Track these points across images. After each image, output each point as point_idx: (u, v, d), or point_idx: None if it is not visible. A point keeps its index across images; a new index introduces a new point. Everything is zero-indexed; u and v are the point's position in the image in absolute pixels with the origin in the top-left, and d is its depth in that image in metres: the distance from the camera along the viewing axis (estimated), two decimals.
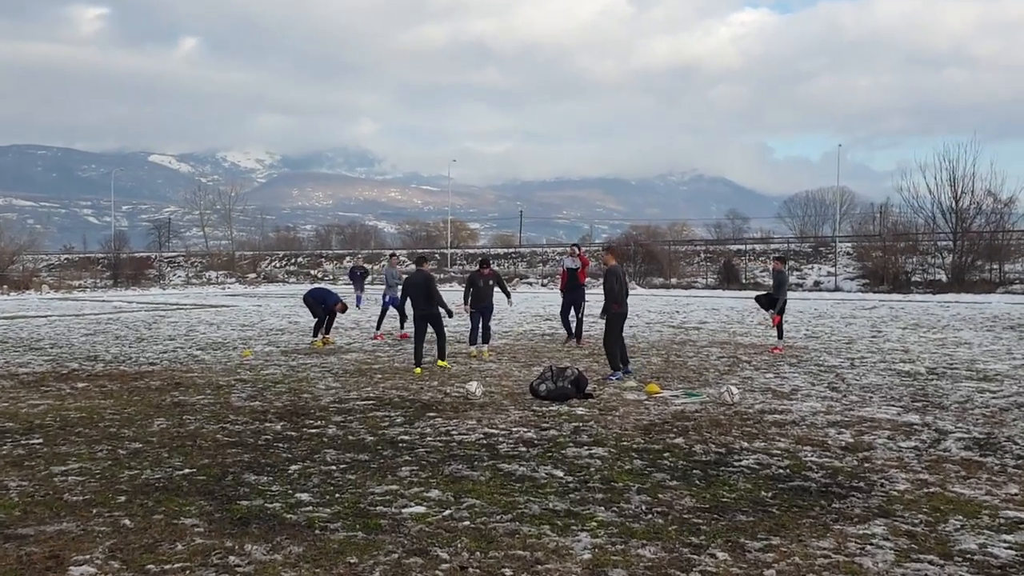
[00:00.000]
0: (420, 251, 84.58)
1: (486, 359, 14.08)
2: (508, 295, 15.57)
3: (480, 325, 14.48)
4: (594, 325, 20.10)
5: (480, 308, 14.47)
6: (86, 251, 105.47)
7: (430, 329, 13.14)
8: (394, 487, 6.16)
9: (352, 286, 28.29)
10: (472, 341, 14.55)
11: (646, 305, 28.82)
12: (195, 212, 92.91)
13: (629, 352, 12.89)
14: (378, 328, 17.92)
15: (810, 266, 52.43)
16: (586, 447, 7.41)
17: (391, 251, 16.45)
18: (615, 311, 11.78)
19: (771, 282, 16.16)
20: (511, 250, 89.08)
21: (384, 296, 18.04)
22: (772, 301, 15.11)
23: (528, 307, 29.29)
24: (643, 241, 56.99)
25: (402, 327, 17.77)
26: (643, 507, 5.65)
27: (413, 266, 18.29)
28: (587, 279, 16.27)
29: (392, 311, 18.53)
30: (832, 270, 46.21)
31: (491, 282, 14.69)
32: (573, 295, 16.09)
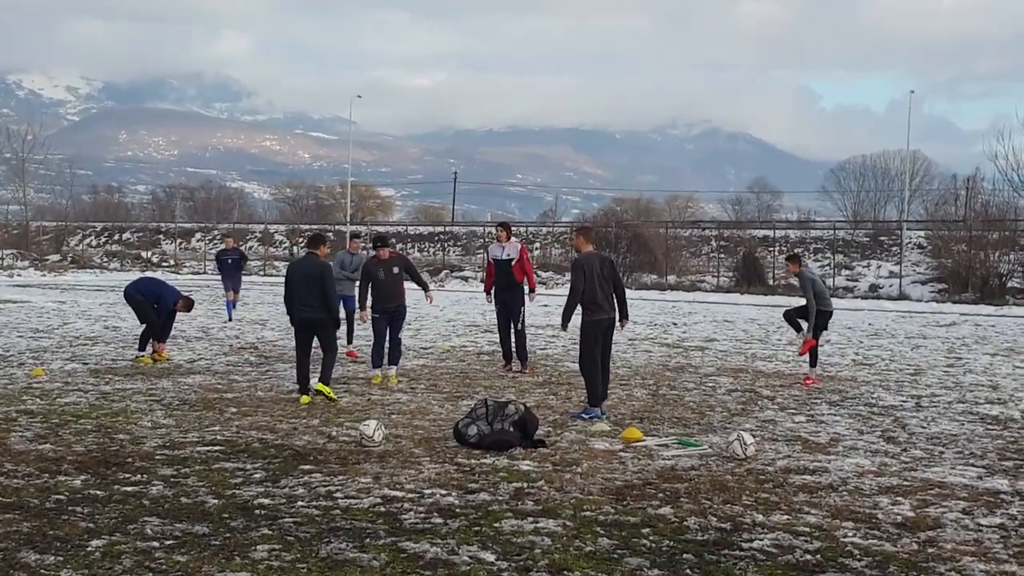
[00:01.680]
0: (309, 228, 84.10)
1: (393, 386, 14.01)
2: (425, 287, 15.50)
3: (384, 339, 14.39)
4: (553, 341, 20.21)
5: (384, 311, 14.36)
6: None
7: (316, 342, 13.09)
8: (244, 575, 6.05)
9: (221, 282, 26.01)
10: (376, 361, 14.45)
11: (632, 313, 29.05)
12: None
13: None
14: (349, 342, 17.83)
15: (865, 263, 53.55)
16: (531, 518, 7.40)
17: (353, 231, 15.78)
18: (588, 318, 11.82)
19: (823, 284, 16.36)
20: (440, 229, 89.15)
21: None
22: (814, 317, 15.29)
23: (460, 312, 29.31)
24: (629, 221, 57.47)
25: (348, 341, 17.71)
26: None
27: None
28: (528, 279, 16.04)
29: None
30: (896, 269, 47.19)
31: (395, 270, 14.52)
32: (508, 298, 15.97)
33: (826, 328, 15.73)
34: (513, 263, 15.80)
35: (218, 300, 29.18)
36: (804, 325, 15.31)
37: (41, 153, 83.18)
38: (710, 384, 14.84)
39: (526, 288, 16.00)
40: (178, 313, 16.70)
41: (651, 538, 7.01)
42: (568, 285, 13.72)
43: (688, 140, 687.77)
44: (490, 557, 6.51)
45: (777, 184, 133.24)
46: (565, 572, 6.24)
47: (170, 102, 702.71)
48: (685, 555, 6.65)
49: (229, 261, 24.88)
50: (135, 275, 53.47)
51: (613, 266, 12.39)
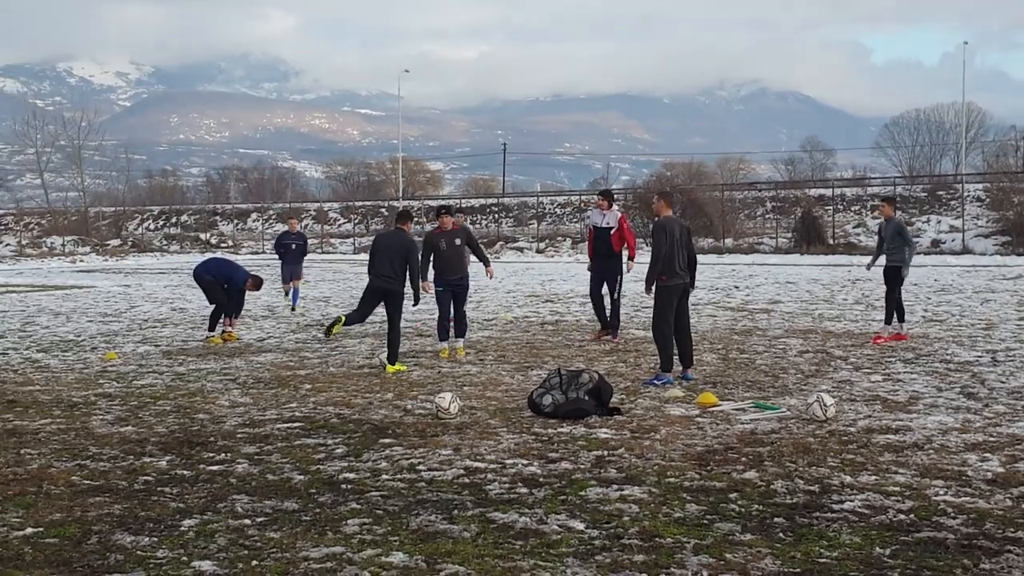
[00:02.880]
0: (363, 205, 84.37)
1: (461, 358, 14.04)
2: (487, 261, 15.42)
3: (449, 311, 14.39)
4: (643, 307, 20.07)
5: (447, 283, 14.33)
6: None
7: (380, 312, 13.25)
8: (338, 549, 6.08)
9: (280, 270, 22.02)
10: (442, 335, 14.47)
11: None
12: (29, 151, 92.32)
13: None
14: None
15: (924, 218, 52.78)
16: (615, 486, 7.36)
17: (442, 206, 15.86)
18: (663, 283, 11.77)
19: (878, 240, 16.03)
20: (492, 201, 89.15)
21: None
22: (896, 273, 15.04)
23: (519, 283, 29.31)
24: (684, 185, 56.97)
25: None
26: (704, 574, 5.60)
27: None
28: (628, 248, 15.98)
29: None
30: (957, 223, 46.45)
31: (458, 241, 14.49)
32: (604, 266, 15.86)
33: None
34: (612, 232, 15.78)
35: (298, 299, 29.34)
36: (897, 316, 15.06)
37: (96, 139, 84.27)
38: (780, 346, 14.70)
39: (624, 257, 16.00)
40: (247, 292, 16.84)
41: (739, 503, 6.95)
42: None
43: (737, 101, 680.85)
44: (579, 526, 6.48)
45: (829, 142, 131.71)
46: (656, 539, 6.19)
47: (219, 84, 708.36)
48: (776, 519, 6.58)
49: (293, 246, 21.42)
50: (196, 257, 54.22)
51: (689, 232, 12.31)
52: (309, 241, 24.23)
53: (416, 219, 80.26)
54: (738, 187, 64.80)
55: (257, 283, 16.79)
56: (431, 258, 14.26)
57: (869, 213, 63.55)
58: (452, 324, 14.56)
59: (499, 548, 6.07)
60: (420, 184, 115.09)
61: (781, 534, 6.29)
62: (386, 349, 13.26)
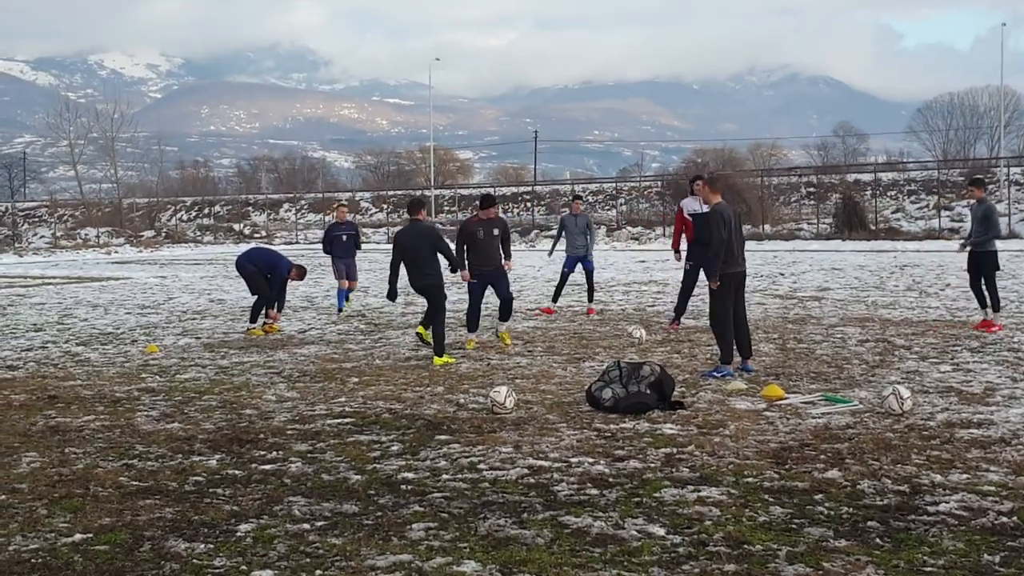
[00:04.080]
0: (394, 194, 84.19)
1: (508, 346, 13.68)
2: (509, 255, 14.57)
3: (480, 301, 13.96)
4: (660, 298, 19.67)
5: (481, 273, 13.88)
6: None
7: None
8: (405, 557, 5.71)
9: (332, 264, 18.96)
10: (472, 326, 14.05)
11: None
12: (62, 143, 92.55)
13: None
14: (555, 300, 18.28)
15: (964, 202, 51.87)
16: (691, 487, 6.96)
17: (573, 192, 15.42)
18: (721, 271, 11.36)
19: (969, 223, 15.37)
20: (523, 189, 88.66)
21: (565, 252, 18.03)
22: (980, 261, 14.48)
23: (557, 272, 28.78)
24: (722, 172, 56.28)
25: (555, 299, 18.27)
26: None
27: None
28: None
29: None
30: (1000, 208, 45.54)
31: (495, 231, 14.07)
32: (700, 256, 15.13)
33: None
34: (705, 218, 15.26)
35: (317, 268, 28.96)
36: (989, 302, 14.49)
37: (129, 131, 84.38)
38: (838, 335, 14.22)
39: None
40: (290, 282, 16.52)
41: (826, 505, 6.52)
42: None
43: (767, 86, 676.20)
44: (659, 531, 6.08)
45: (861, 127, 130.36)
46: (745, 546, 5.79)
47: (248, 75, 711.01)
48: (869, 522, 6.16)
49: (344, 237, 18.81)
50: (230, 248, 54.16)
51: (740, 218, 11.82)
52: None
53: (449, 209, 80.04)
54: (778, 172, 63.94)
55: (301, 272, 16.48)
56: (465, 247, 13.81)
57: (906, 198, 62.70)
58: (498, 311, 14.25)
59: (576, 556, 5.68)
60: (450, 173, 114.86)
61: (878, 539, 5.86)
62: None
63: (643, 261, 31.18)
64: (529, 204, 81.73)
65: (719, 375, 11.13)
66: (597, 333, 15.24)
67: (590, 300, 17.86)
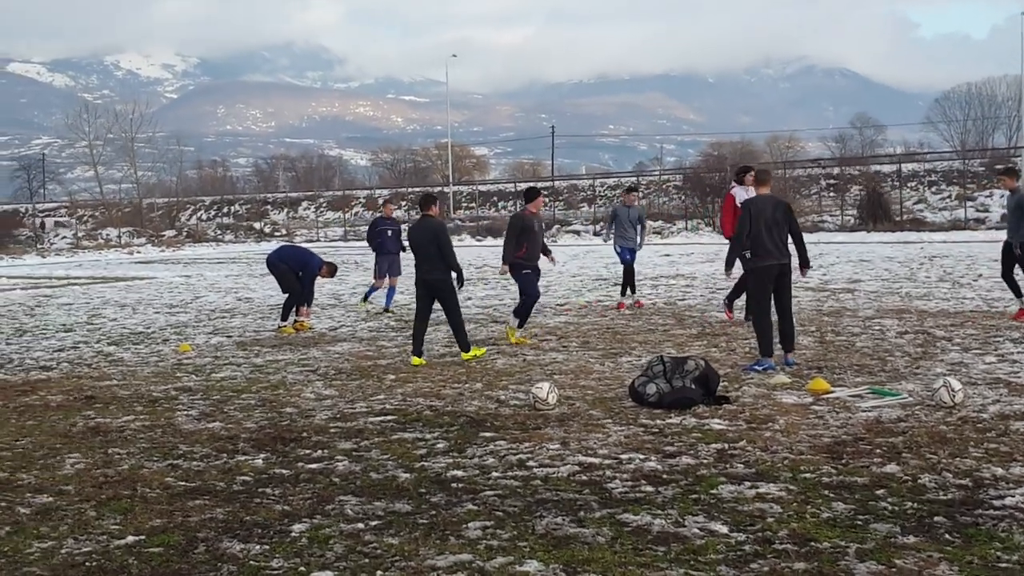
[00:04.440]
0: (411, 191, 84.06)
1: (526, 344, 13.57)
2: (547, 249, 14.56)
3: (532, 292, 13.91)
4: (689, 291, 19.51)
5: (534, 267, 13.90)
6: None
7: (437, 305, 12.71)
8: (465, 556, 5.61)
9: (375, 262, 18.73)
10: (523, 321, 14.02)
11: None
12: (80, 144, 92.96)
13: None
14: (624, 294, 17.74)
15: (987, 192, 51.47)
16: (748, 483, 6.83)
17: (531, 187, 15.46)
18: (753, 264, 11.20)
19: (1002, 212, 15.16)
20: (541, 184, 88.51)
21: (616, 246, 17.73)
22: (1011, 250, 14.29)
23: (583, 267, 28.76)
24: (746, 164, 56.05)
25: (625, 292, 17.74)
26: None
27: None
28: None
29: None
30: None
31: (541, 225, 14.16)
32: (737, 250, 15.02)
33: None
34: None
35: (344, 269, 28.92)
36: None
37: (148, 131, 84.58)
38: (876, 327, 14.05)
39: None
40: (321, 278, 16.44)
41: (889, 500, 6.38)
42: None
43: (783, 79, 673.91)
44: (722, 528, 5.95)
45: (878, 118, 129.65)
46: (812, 543, 5.65)
47: (264, 74, 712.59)
48: (935, 518, 6.02)
49: (389, 232, 18.45)
50: (252, 247, 54.20)
51: (789, 210, 11.59)
52: (358, 227, 22.41)
53: (467, 205, 79.90)
54: (801, 163, 63.58)
55: (332, 270, 16.42)
56: (518, 238, 13.68)
57: (927, 189, 62.30)
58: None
59: (640, 555, 5.56)
60: (466, 169, 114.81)
61: (946, 535, 5.73)
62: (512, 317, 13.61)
63: (668, 255, 31.04)
64: (548, 200, 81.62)
65: (760, 368, 10.99)
66: (631, 328, 15.11)
67: (633, 292, 17.63)
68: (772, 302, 11.31)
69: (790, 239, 11.27)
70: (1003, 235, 14.79)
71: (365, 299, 18.81)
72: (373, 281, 18.82)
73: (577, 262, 30.79)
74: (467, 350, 12.54)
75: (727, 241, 14.95)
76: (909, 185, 62.19)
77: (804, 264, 11.55)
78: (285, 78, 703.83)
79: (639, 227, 17.52)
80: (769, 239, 11.19)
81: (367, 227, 19.01)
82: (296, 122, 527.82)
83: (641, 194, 74.14)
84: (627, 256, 17.40)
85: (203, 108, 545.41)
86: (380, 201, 20.36)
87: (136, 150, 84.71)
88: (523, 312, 14.01)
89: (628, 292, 17.47)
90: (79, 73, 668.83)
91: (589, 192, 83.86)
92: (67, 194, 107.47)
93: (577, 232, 53.42)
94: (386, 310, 18.21)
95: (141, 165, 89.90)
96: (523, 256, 13.70)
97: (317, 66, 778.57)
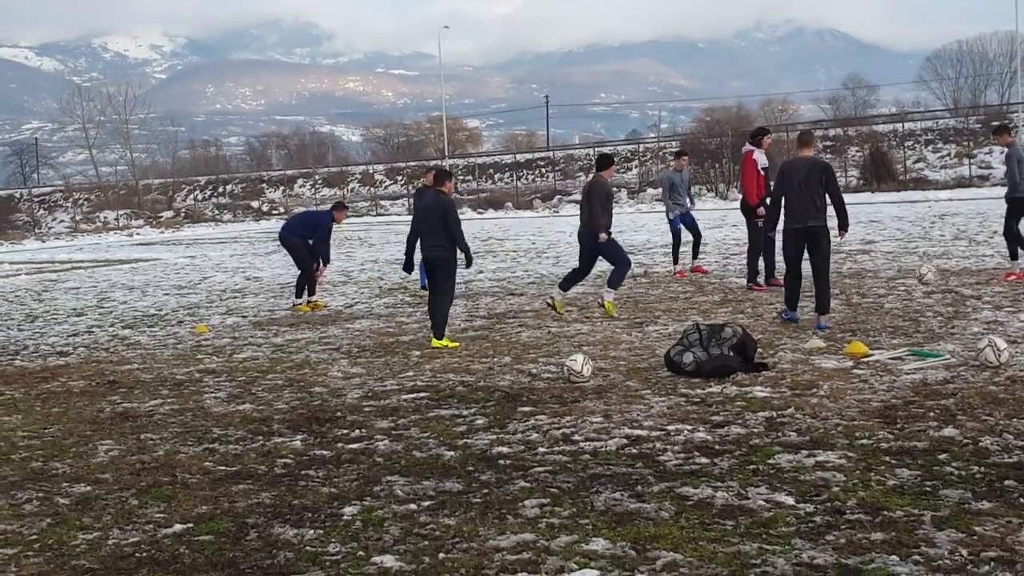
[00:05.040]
0: (407, 165, 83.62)
1: (559, 313, 13.37)
2: None
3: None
4: (704, 257, 19.31)
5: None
6: None
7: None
8: (528, 536, 5.43)
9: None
10: (616, 283, 13.55)
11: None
12: (73, 128, 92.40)
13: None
14: (677, 261, 17.40)
15: (986, 149, 51.22)
16: (804, 451, 6.66)
17: (604, 155, 15.24)
18: (784, 225, 11.29)
19: (1004, 169, 15.01)
20: (536, 155, 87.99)
21: (668, 213, 17.47)
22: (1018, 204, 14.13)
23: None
24: (743, 127, 55.63)
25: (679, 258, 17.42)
26: (963, 553, 4.88)
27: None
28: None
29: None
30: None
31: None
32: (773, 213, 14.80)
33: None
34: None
35: (348, 245, 28.62)
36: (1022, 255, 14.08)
37: (142, 112, 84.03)
38: (901, 288, 13.89)
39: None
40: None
41: (954, 464, 6.22)
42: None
43: (773, 42, 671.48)
44: (788, 499, 5.78)
45: (870, 78, 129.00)
46: (884, 512, 5.48)
47: (252, 51, 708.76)
48: (1006, 481, 5.85)
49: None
50: (251, 225, 53.89)
51: (826, 172, 11.39)
52: (359, 203, 21.59)
53: (464, 179, 79.50)
54: (800, 126, 63.17)
55: (341, 208, 16.10)
56: (603, 205, 13.42)
57: (924, 147, 61.99)
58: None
59: (709, 530, 5.39)
60: (460, 142, 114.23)
61: (1022, 499, 5.56)
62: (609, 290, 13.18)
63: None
64: (543, 170, 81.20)
65: (785, 316, 11.52)
66: (651, 296, 14.94)
67: (695, 257, 17.67)
68: (803, 264, 11.29)
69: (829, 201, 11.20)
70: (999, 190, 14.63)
71: (424, 285, 17.79)
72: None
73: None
74: (439, 337, 11.71)
75: (750, 206, 14.75)
76: (906, 144, 61.91)
77: (842, 226, 11.44)
78: (274, 55, 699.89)
79: (690, 190, 17.55)
80: (799, 202, 11.07)
81: (413, 195, 17.90)
82: (286, 99, 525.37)
83: (637, 162, 73.99)
84: (679, 223, 17.12)
85: (192, 88, 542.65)
86: (424, 170, 18.99)
87: (129, 132, 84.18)
88: (618, 280, 13.49)
89: (680, 258, 17.24)
90: (67, 56, 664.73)
91: (586, 162, 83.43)
92: (61, 178, 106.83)
93: (576, 202, 53.04)
94: (423, 287, 17.48)
95: (135, 147, 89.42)
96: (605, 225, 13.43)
97: (306, 42, 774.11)
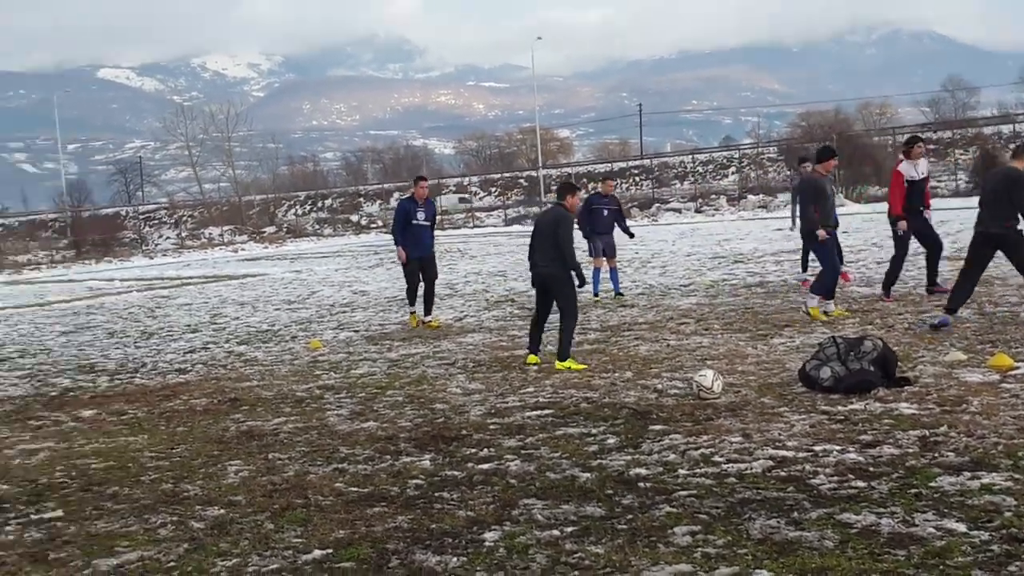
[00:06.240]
0: (501, 177, 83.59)
1: (843, 316, 13.12)
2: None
3: None
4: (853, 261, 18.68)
5: (831, 234, 13.52)
6: (28, 212, 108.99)
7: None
8: (684, 567, 5.14)
9: (589, 241, 17.25)
10: (829, 293, 13.31)
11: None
12: (174, 147, 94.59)
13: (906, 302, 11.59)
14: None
15: None
16: (967, 473, 6.25)
17: (803, 157, 15.10)
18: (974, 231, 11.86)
19: None
20: (630, 163, 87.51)
21: (801, 223, 16.77)
22: None
23: (695, 245, 28.03)
24: (851, 132, 54.48)
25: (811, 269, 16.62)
26: None
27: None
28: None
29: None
30: None
31: (832, 189, 13.78)
32: (920, 223, 14.28)
33: None
34: (929, 184, 14.50)
35: (450, 257, 28.62)
36: None
37: (242, 130, 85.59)
38: None
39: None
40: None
41: None
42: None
43: (868, 45, 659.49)
44: (959, 527, 5.40)
45: (969, 80, 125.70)
46: None
47: (347, 68, 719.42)
48: None
49: (604, 212, 16.99)
50: (352, 239, 54.32)
51: (1006, 179, 11.57)
52: (455, 215, 20.95)
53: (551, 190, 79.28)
54: (906, 129, 61.65)
55: (417, 182, 15.71)
56: (814, 202, 13.18)
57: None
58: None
59: (880, 561, 5.04)
60: (551, 153, 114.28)
61: None
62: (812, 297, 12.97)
63: (779, 229, 30.11)
64: (637, 179, 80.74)
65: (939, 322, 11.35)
66: (769, 306, 14.49)
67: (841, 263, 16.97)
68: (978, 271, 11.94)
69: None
70: None
71: (618, 293, 17.04)
72: (593, 261, 17.13)
73: (686, 241, 30.07)
74: (563, 359, 11.07)
75: (894, 217, 14.23)
76: (1011, 146, 60.10)
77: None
78: (367, 71, 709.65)
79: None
80: (985, 209, 11.75)
81: (583, 204, 17.05)
82: (380, 114, 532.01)
83: (733, 169, 72.89)
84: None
85: (289, 105, 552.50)
86: (602, 178, 18.88)
87: (231, 149, 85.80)
88: (825, 288, 13.04)
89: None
90: (168, 76, 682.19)
91: (680, 169, 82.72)
92: (164, 195, 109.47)
93: (677, 210, 52.49)
94: (618, 294, 16.95)
95: (236, 164, 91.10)
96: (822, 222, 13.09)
97: (398, 58, 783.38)
